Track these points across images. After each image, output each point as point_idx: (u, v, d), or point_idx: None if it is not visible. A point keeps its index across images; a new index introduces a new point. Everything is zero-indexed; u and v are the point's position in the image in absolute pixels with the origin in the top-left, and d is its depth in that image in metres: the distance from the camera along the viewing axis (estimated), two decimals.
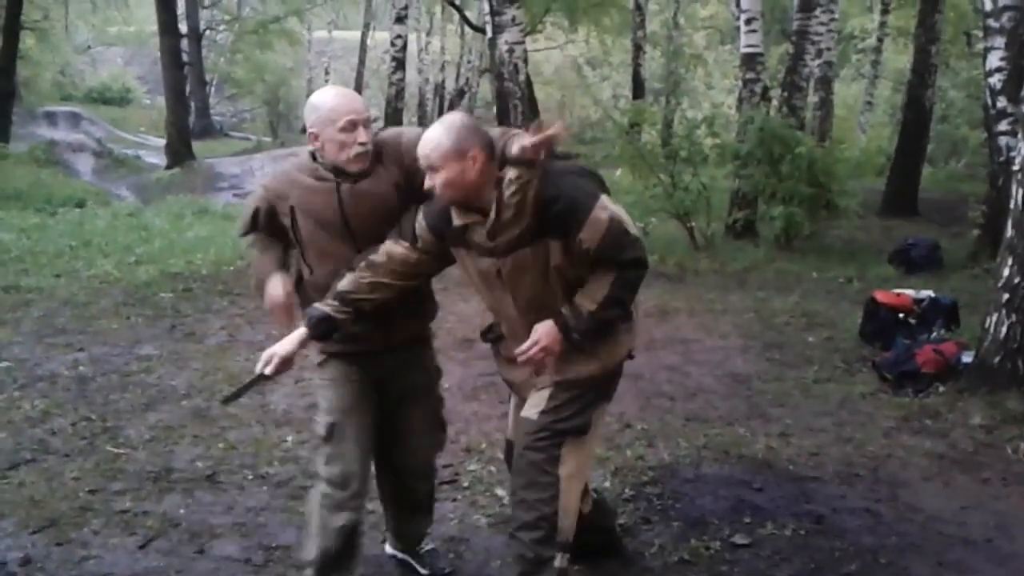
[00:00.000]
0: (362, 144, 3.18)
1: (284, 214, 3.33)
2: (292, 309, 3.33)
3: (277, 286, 3.33)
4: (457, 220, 3.08)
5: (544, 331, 3.06)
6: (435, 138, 2.98)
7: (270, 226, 3.39)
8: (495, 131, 3.10)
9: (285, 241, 3.42)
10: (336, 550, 3.36)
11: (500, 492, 4.44)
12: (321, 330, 3.21)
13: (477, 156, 2.96)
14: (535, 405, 3.18)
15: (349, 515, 3.35)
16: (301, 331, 3.22)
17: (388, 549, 3.88)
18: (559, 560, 3.16)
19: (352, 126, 3.16)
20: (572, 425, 3.13)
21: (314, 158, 3.29)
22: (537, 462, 3.12)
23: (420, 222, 3.17)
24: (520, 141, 2.96)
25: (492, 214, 2.99)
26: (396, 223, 3.25)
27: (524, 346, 3.08)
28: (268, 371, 3.23)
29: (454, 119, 3.05)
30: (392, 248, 3.19)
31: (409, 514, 3.78)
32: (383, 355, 3.44)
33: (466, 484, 4.58)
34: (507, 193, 2.96)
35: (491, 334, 3.38)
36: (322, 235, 3.29)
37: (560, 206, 2.96)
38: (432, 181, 3.00)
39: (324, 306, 3.21)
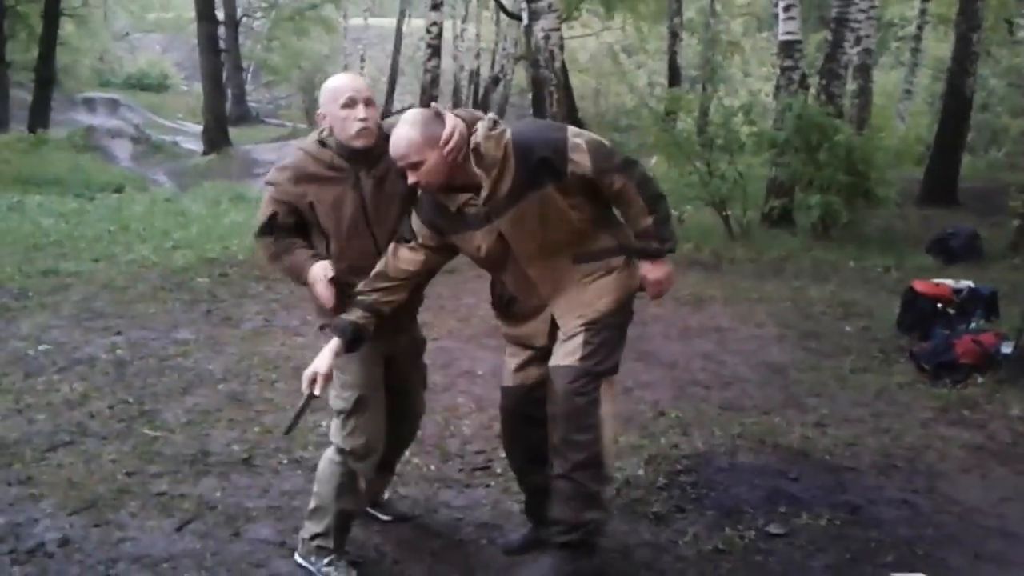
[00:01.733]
0: (362, 120, 3.32)
1: (304, 210, 3.44)
2: (336, 285, 3.43)
3: (319, 269, 3.42)
4: (450, 205, 3.27)
5: (649, 271, 3.34)
6: (404, 136, 3.16)
7: (290, 225, 3.50)
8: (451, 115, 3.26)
9: (303, 235, 3.52)
10: (353, 511, 3.64)
11: None
12: (352, 340, 3.36)
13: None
14: (571, 353, 3.32)
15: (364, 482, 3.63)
16: (334, 344, 3.35)
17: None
18: (608, 492, 3.49)
19: (352, 102, 3.32)
20: (607, 367, 3.34)
21: (323, 144, 3.41)
22: (583, 406, 3.30)
23: (415, 220, 3.36)
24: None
25: (484, 177, 3.17)
26: (409, 209, 3.40)
27: (651, 292, 3.39)
28: (317, 391, 3.34)
29: (415, 114, 3.22)
30: (397, 250, 3.38)
31: (387, 474, 4.05)
32: (395, 334, 3.62)
33: (499, 471, 4.56)
34: (489, 148, 3.15)
35: (501, 300, 3.52)
36: (343, 226, 3.41)
37: (540, 152, 3.15)
38: (415, 176, 3.18)
39: (350, 316, 3.37)
